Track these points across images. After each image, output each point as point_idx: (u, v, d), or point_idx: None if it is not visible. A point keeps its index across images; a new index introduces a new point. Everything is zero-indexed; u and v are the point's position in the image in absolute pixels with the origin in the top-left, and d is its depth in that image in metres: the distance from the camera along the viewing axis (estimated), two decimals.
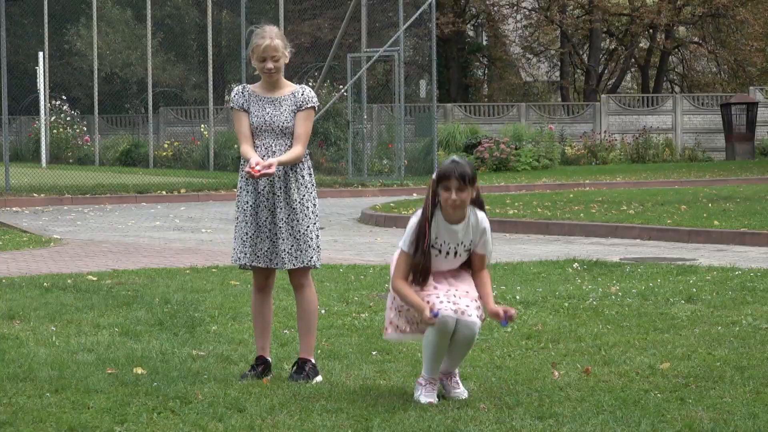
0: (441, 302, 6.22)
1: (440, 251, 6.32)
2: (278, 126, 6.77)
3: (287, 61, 6.80)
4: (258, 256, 6.79)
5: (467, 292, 6.31)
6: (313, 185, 6.87)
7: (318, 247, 6.85)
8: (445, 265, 6.36)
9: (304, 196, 6.81)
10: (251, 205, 6.81)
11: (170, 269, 11.97)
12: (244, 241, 6.81)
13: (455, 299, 6.25)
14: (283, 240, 6.76)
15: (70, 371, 6.85)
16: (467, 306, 6.23)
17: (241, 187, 6.87)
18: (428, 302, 6.25)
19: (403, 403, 6.08)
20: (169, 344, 7.73)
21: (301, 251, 6.77)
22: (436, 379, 6.34)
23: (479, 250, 6.37)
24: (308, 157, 6.91)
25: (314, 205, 6.86)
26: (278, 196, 6.78)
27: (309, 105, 6.79)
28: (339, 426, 5.67)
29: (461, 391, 6.37)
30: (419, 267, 6.28)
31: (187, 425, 5.69)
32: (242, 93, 6.85)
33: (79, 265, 12.61)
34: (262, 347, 6.92)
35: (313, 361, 6.83)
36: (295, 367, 6.81)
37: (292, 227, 6.77)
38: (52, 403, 6.08)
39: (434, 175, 6.30)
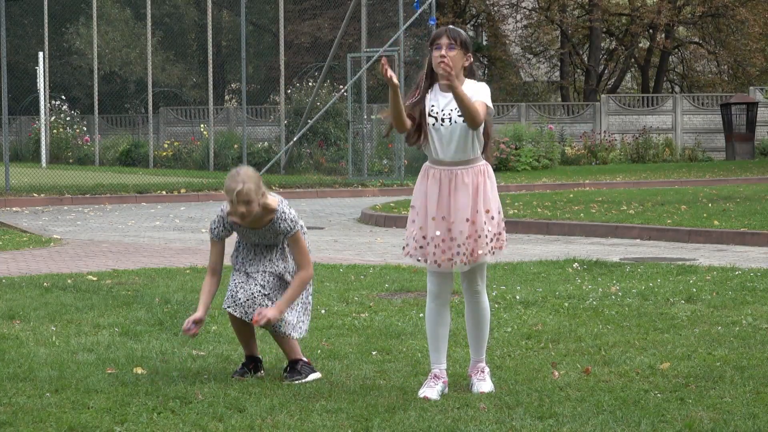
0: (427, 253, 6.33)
1: (436, 119, 6.36)
2: (265, 244, 6.87)
3: (263, 201, 6.68)
4: (237, 305, 6.81)
5: (460, 232, 6.32)
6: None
7: (295, 322, 6.86)
8: (447, 139, 6.34)
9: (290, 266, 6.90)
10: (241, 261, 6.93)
11: (170, 269, 11.97)
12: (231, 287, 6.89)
13: (440, 250, 6.32)
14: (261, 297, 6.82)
15: (70, 371, 6.85)
16: (451, 257, 6.31)
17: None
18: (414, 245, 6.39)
19: (403, 403, 6.08)
20: (169, 344, 7.73)
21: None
22: (440, 374, 6.36)
23: None
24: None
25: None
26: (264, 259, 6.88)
27: (291, 234, 6.77)
28: (339, 426, 5.67)
29: (485, 384, 6.42)
30: (413, 120, 6.36)
31: (187, 425, 5.69)
32: (223, 225, 6.83)
33: (79, 265, 12.61)
34: (249, 349, 6.96)
35: (304, 359, 6.83)
36: (287, 369, 6.82)
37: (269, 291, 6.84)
38: (52, 403, 6.08)
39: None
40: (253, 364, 6.88)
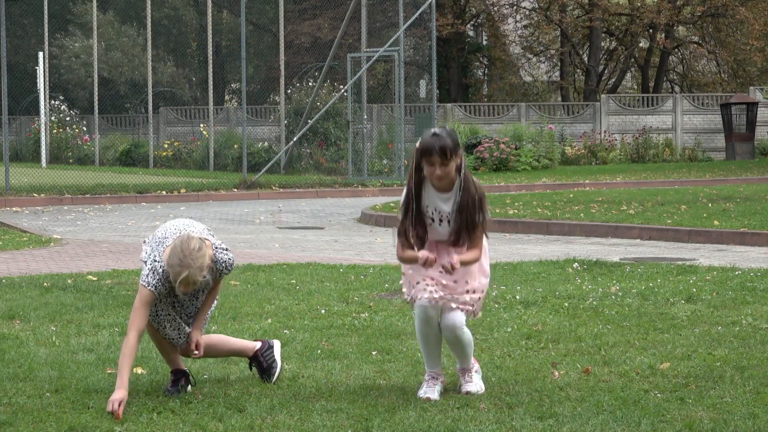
0: (424, 289, 6.24)
1: (433, 220, 6.31)
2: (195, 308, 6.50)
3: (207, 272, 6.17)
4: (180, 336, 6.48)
5: (466, 282, 6.30)
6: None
7: None
8: (445, 234, 6.31)
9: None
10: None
11: None
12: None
13: (441, 289, 6.25)
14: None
15: (70, 371, 6.85)
16: (450, 298, 6.24)
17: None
18: (416, 288, 6.27)
19: (403, 403, 6.08)
20: None
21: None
22: (438, 374, 6.36)
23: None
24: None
25: None
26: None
27: (224, 275, 6.35)
28: (339, 426, 5.67)
29: (472, 385, 6.37)
30: (413, 234, 6.27)
31: (187, 425, 5.69)
32: (164, 283, 6.20)
33: (79, 265, 12.61)
34: (172, 361, 6.52)
35: (257, 345, 6.67)
36: (252, 368, 6.72)
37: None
38: (52, 403, 6.08)
39: (417, 147, 6.24)
40: (183, 377, 6.47)
